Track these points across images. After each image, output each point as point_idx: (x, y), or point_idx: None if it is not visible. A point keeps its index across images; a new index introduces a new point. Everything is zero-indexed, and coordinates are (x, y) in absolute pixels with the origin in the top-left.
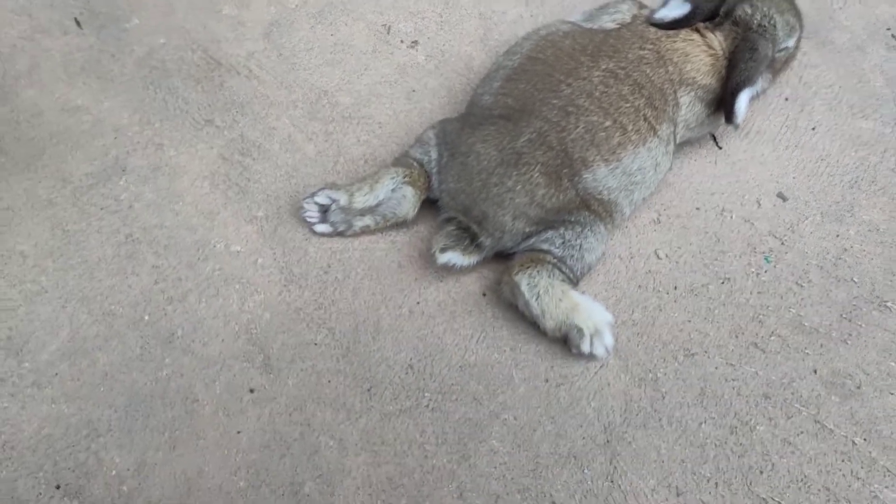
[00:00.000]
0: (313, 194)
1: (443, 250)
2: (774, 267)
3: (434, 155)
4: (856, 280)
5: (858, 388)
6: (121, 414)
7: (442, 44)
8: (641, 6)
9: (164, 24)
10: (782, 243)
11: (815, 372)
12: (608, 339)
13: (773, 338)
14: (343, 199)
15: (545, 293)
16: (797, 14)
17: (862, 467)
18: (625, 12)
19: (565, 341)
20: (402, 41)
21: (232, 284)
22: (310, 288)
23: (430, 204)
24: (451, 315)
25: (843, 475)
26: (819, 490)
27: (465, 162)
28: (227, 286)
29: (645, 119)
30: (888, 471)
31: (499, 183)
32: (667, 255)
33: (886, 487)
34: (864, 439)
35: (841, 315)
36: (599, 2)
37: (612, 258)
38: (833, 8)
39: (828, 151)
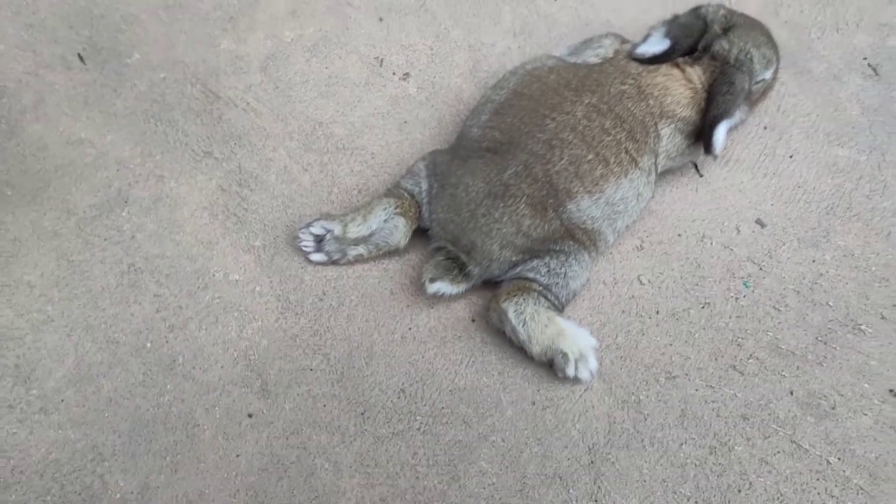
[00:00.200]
0: (309, 224)
1: (432, 280)
2: (753, 292)
3: (425, 186)
4: (831, 304)
5: (833, 408)
6: (125, 438)
7: (432, 76)
8: (624, 40)
9: (164, 58)
10: (760, 269)
11: (792, 393)
12: (592, 363)
13: (751, 360)
14: (337, 229)
15: (531, 320)
16: (773, 47)
17: (836, 486)
18: (607, 47)
19: (551, 365)
20: (394, 73)
21: (231, 312)
22: (306, 315)
23: (421, 233)
24: (441, 340)
25: (818, 493)
26: None
27: (454, 193)
28: (226, 314)
29: (626, 151)
30: (861, 489)
31: (486, 214)
32: (649, 281)
33: None
34: (839, 458)
35: (816, 338)
36: (584, 35)
37: (596, 284)
38: (811, 38)
39: (805, 179)
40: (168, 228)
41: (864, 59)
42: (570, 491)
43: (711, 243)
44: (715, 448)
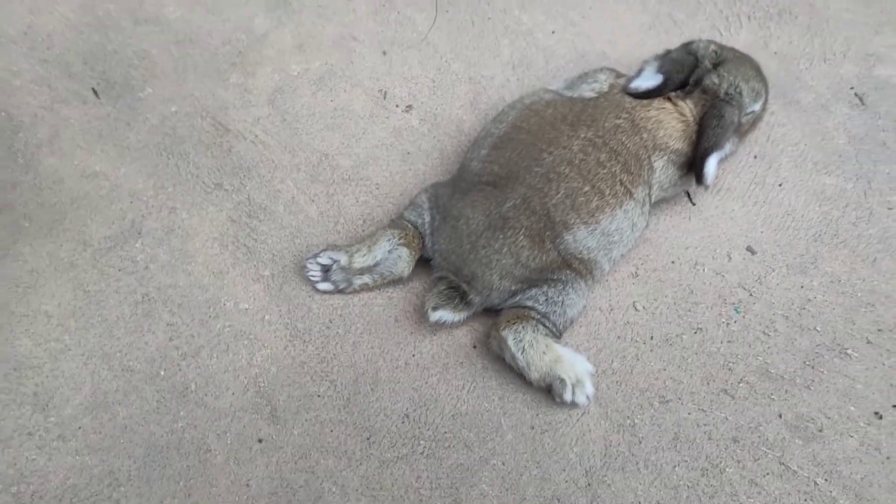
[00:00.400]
0: (316, 255)
1: (435, 308)
2: (743, 317)
3: (427, 218)
4: (818, 329)
5: (820, 431)
6: (140, 464)
7: (434, 108)
8: (618, 75)
9: (175, 92)
10: (751, 294)
11: (781, 416)
12: (589, 388)
13: (741, 384)
14: (343, 259)
15: (530, 347)
16: (762, 80)
17: None
18: (602, 81)
19: (549, 391)
20: (397, 105)
21: (241, 340)
22: (313, 342)
23: (423, 262)
24: (444, 367)
25: None
26: None
27: (455, 225)
28: (236, 342)
29: (621, 183)
30: None
31: (486, 245)
32: (644, 307)
33: None
34: (826, 480)
35: (804, 362)
36: (580, 67)
37: (592, 310)
38: (799, 69)
39: (793, 206)
40: (180, 259)
41: (851, 88)
42: None
43: (704, 270)
44: (707, 470)
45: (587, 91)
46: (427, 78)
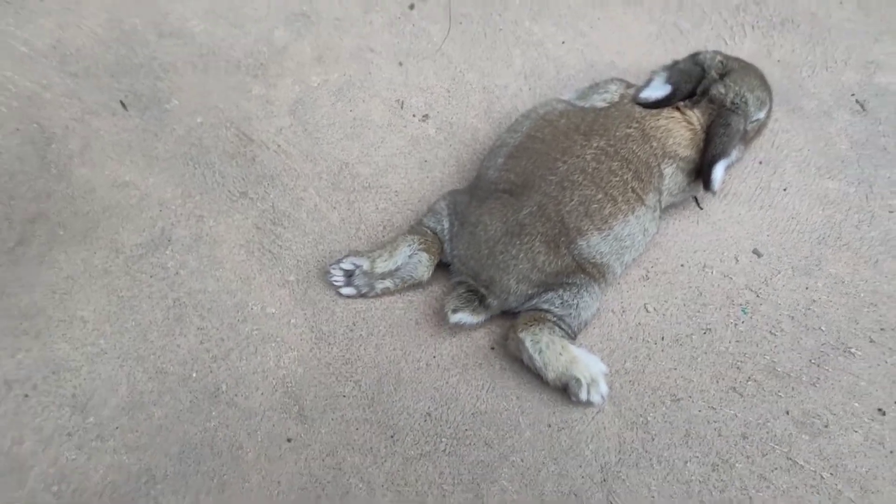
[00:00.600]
0: (339, 261)
1: (454, 311)
2: (751, 318)
3: (446, 224)
4: (823, 329)
5: (826, 426)
6: (175, 462)
7: (450, 117)
8: (628, 85)
9: (200, 104)
10: (757, 296)
11: (788, 413)
12: (603, 388)
13: (749, 382)
14: (366, 264)
15: (546, 348)
16: (767, 89)
17: (829, 499)
18: (613, 92)
19: (565, 390)
20: (414, 115)
21: (269, 343)
22: (338, 345)
23: (443, 267)
24: (463, 367)
25: None
26: None
27: (473, 232)
28: (264, 345)
29: (633, 191)
30: (852, 501)
31: (504, 251)
32: (655, 309)
33: None
34: (831, 473)
35: (810, 361)
36: (590, 76)
37: (605, 313)
38: (802, 76)
39: (798, 210)
40: (209, 265)
41: (853, 95)
42: None
43: (712, 272)
44: (717, 465)
45: (598, 101)
46: (442, 88)
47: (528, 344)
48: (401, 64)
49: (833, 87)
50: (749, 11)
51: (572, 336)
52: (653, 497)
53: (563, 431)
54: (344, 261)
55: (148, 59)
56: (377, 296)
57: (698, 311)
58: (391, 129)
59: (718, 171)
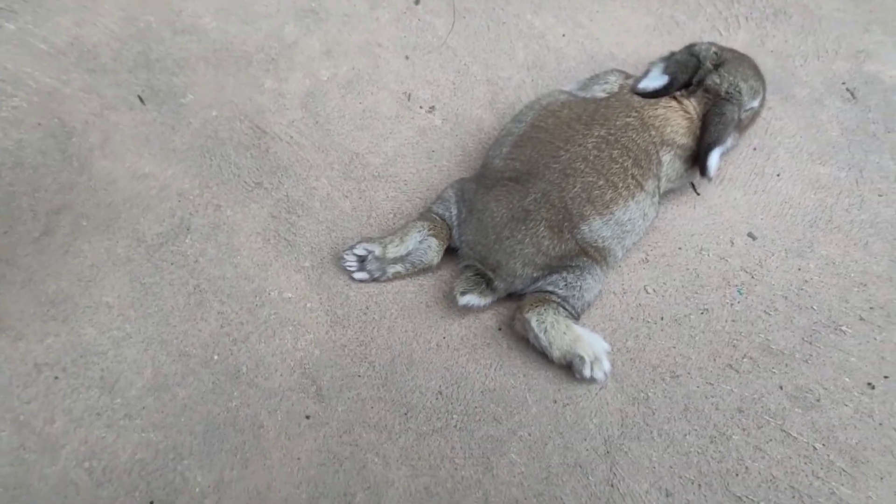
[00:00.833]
0: (352, 247)
1: (463, 293)
2: (746, 298)
3: (454, 211)
4: (815, 308)
5: (818, 400)
6: (200, 439)
7: (456, 108)
8: (627, 76)
9: (215, 98)
10: (752, 277)
11: (781, 388)
12: (606, 365)
13: (745, 359)
14: (378, 250)
15: (551, 327)
16: (760, 78)
17: (822, 468)
18: (613, 83)
19: (570, 367)
20: (421, 107)
21: (286, 326)
22: (352, 327)
23: (451, 252)
24: (472, 347)
25: (806, 476)
26: (786, 489)
27: (481, 218)
28: (282, 328)
29: (633, 177)
30: (844, 471)
31: (510, 236)
32: (654, 290)
33: (842, 485)
34: (824, 445)
35: (803, 338)
36: (590, 67)
37: (607, 294)
38: (794, 66)
39: (790, 195)
40: (227, 253)
41: (843, 83)
42: (590, 477)
43: (708, 255)
44: (715, 438)
45: (599, 92)
46: (448, 80)
47: (533, 324)
48: (407, 57)
49: (824, 76)
50: (743, 3)
51: (576, 316)
52: (654, 468)
53: (568, 407)
54: (357, 247)
55: (163, 55)
56: (389, 280)
57: (696, 292)
58: (399, 121)
59: (714, 158)
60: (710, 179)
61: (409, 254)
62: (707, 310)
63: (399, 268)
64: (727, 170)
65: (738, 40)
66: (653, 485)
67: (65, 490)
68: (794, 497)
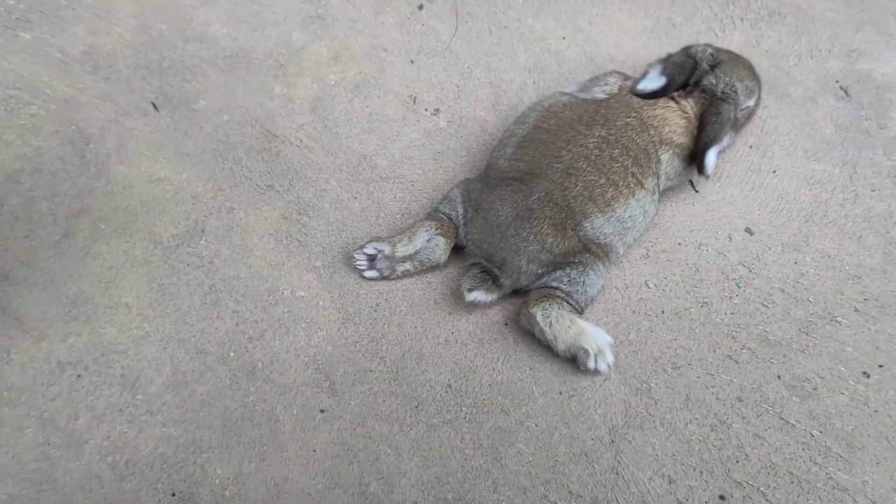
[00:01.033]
0: (362, 246)
1: (470, 290)
2: (744, 291)
3: (460, 210)
4: (811, 300)
5: (815, 389)
6: (218, 434)
7: (460, 110)
8: (626, 77)
9: (226, 104)
10: (750, 271)
11: (779, 378)
12: (609, 358)
13: (744, 350)
14: (387, 249)
15: (556, 322)
16: (755, 78)
17: (819, 454)
18: (612, 84)
19: (574, 360)
20: (426, 109)
21: (300, 324)
22: (363, 324)
23: (458, 250)
24: (479, 342)
25: (804, 461)
26: (784, 474)
27: (486, 217)
28: (295, 325)
29: (633, 175)
30: (840, 457)
31: (515, 234)
32: (655, 285)
33: (839, 470)
34: (820, 432)
35: (799, 330)
36: (590, 69)
37: (610, 289)
38: (789, 65)
39: (786, 191)
40: (241, 253)
41: (836, 82)
42: (595, 466)
43: (707, 250)
44: (715, 426)
45: (599, 93)
46: (452, 83)
47: (539, 318)
48: (412, 61)
49: (818, 75)
50: (738, 4)
51: (580, 311)
52: (657, 455)
53: (573, 398)
54: (367, 246)
55: (175, 62)
56: (398, 278)
57: (695, 286)
58: (405, 123)
59: (711, 157)
60: (707, 177)
61: (417, 252)
62: (706, 303)
63: (408, 266)
64: (724, 167)
65: (733, 41)
66: (656, 472)
67: (89, 484)
68: (792, 482)
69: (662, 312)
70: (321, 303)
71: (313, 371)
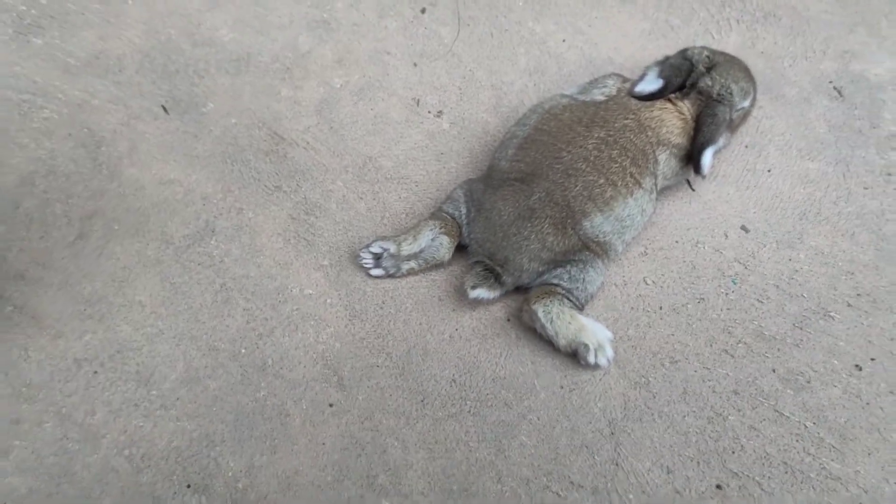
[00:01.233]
0: (368, 245)
1: (473, 287)
2: (740, 287)
3: (463, 210)
4: (805, 296)
5: (808, 382)
6: (231, 428)
7: (462, 112)
8: (624, 80)
9: (234, 107)
10: (746, 267)
11: (774, 371)
12: (609, 352)
13: (740, 345)
14: (392, 247)
15: (557, 318)
16: (751, 80)
17: (813, 445)
18: (611, 86)
19: (575, 355)
20: (429, 112)
21: (308, 321)
22: (370, 321)
23: (461, 249)
24: (483, 338)
25: (798, 452)
26: (779, 465)
27: (489, 217)
28: (304, 322)
29: (631, 175)
30: (833, 447)
31: (517, 233)
32: (653, 282)
33: (832, 461)
34: (814, 423)
35: (794, 324)
36: (589, 71)
37: (609, 286)
38: (784, 66)
39: (781, 189)
40: (250, 253)
41: (830, 82)
42: (595, 457)
43: (704, 248)
44: (712, 418)
45: (598, 95)
46: (454, 86)
47: (540, 315)
48: (415, 65)
49: (812, 76)
50: (734, 7)
51: (580, 307)
52: (655, 447)
53: (574, 392)
54: (372, 245)
55: (184, 66)
56: (403, 276)
57: (692, 283)
58: (409, 125)
59: (707, 157)
60: (703, 177)
61: (422, 251)
62: (703, 299)
63: (413, 264)
64: (720, 167)
65: (729, 43)
66: (654, 463)
67: (107, 477)
68: (786, 472)
69: (660, 308)
70: (329, 300)
71: (322, 367)
